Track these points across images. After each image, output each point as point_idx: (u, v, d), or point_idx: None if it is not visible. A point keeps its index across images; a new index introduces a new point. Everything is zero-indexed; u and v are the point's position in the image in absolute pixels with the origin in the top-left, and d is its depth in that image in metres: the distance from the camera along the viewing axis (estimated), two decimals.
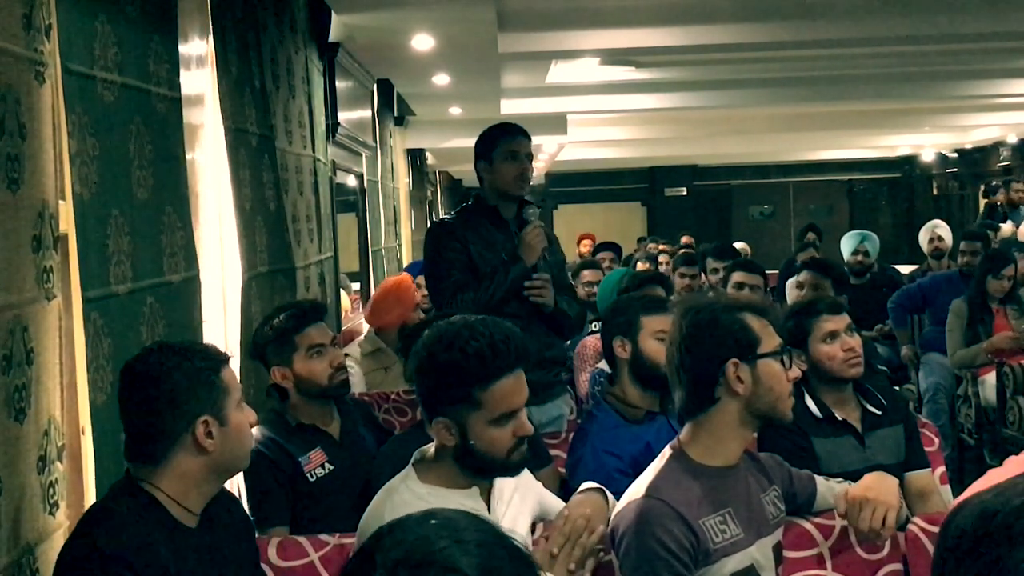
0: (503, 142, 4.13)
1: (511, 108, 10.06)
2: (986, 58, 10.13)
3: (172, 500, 2.20)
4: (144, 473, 2.21)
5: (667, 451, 2.54)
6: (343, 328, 6.23)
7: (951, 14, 7.16)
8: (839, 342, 3.40)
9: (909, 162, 21.21)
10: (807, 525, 2.79)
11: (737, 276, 5.72)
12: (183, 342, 2.54)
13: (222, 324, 3.89)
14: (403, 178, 10.84)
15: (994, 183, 14.79)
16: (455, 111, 10.77)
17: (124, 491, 2.20)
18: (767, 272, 6.25)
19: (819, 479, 2.86)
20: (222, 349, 2.40)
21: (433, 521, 1.18)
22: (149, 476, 2.20)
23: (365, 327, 5.68)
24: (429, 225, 4.54)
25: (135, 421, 2.22)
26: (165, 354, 2.24)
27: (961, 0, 7.01)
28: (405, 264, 9.64)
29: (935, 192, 20.64)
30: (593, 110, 11.76)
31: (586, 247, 12.96)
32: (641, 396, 3.37)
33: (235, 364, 2.51)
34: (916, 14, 7.14)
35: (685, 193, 21.21)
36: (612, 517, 2.51)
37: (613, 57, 8.88)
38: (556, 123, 11.80)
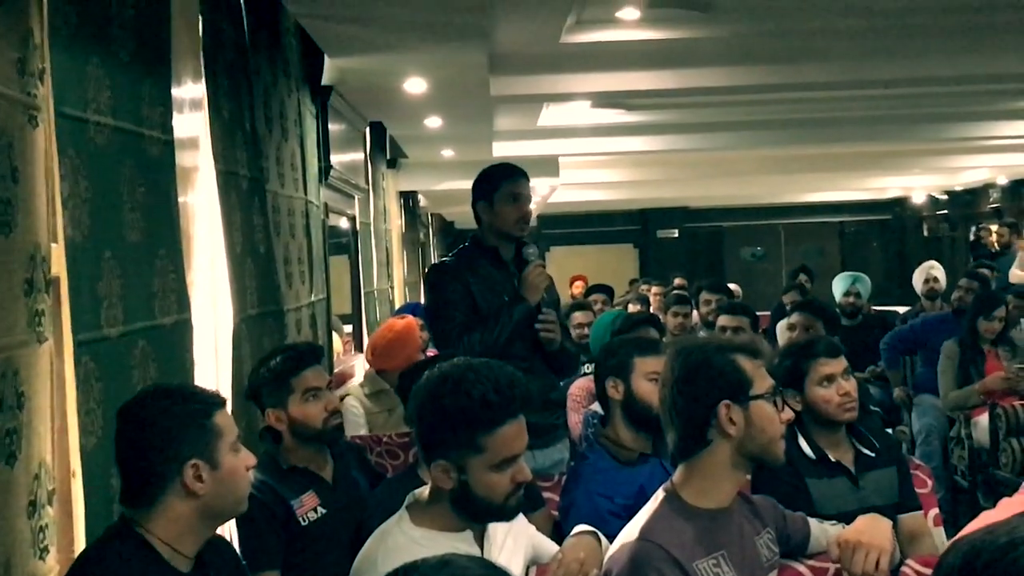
0: (505, 184, 4.11)
1: (503, 151, 10.09)
2: (975, 100, 10.21)
3: (165, 543, 2.19)
4: (137, 516, 2.20)
5: (660, 493, 2.53)
6: (335, 371, 6.21)
7: (939, 56, 7.22)
8: (835, 386, 3.40)
9: (899, 204, 21.31)
10: (801, 568, 2.77)
11: (722, 320, 5.73)
12: (179, 385, 2.54)
13: (214, 367, 3.89)
14: (395, 220, 10.86)
15: (981, 225, 14.92)
16: (447, 153, 10.81)
17: (117, 534, 2.20)
18: (759, 314, 6.27)
19: (812, 521, 2.86)
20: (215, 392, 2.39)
21: (448, 570, 1.17)
22: (142, 519, 2.19)
23: (357, 369, 5.67)
24: (427, 268, 4.53)
25: (127, 463, 2.22)
26: (157, 397, 2.24)
27: (949, 43, 7.07)
28: (397, 306, 9.64)
29: (926, 234, 20.72)
30: (585, 152, 11.81)
31: (578, 288, 12.98)
32: (634, 438, 3.36)
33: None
34: (905, 57, 7.20)
35: (677, 235, 21.28)
36: (605, 560, 2.49)
37: (604, 100, 8.93)
38: (548, 165, 11.83)
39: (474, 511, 2.36)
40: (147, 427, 2.19)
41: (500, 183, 4.11)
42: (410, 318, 5.63)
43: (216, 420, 2.26)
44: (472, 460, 2.29)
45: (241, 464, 2.29)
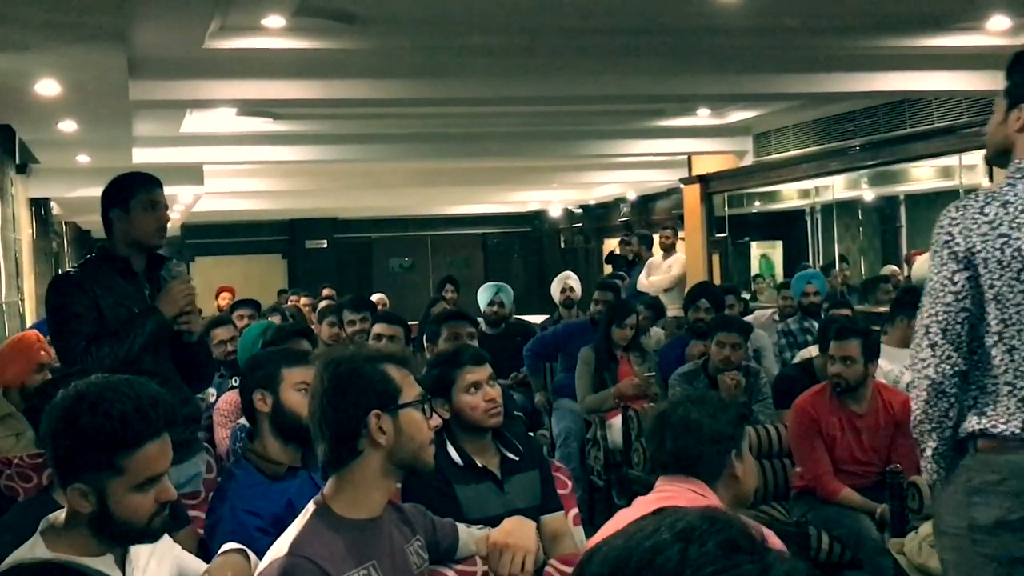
0: (143, 191, 3.94)
1: (144, 157, 9.77)
2: (608, 119, 10.84)
3: None
4: None
5: (310, 507, 2.51)
6: None
7: (576, 76, 7.60)
8: (481, 392, 3.49)
9: (538, 217, 22.22)
10: (449, 573, 2.82)
11: (378, 328, 5.79)
12: None
13: None
14: (26, 229, 10.25)
15: (623, 238, 15.75)
16: (83, 159, 10.31)
17: None
18: (409, 323, 6.35)
19: (461, 526, 2.92)
20: None
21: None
22: None
23: None
24: (52, 279, 4.27)
25: None
26: None
27: (584, 64, 7.45)
28: (29, 320, 9.13)
29: (563, 245, 21.71)
30: (231, 161, 11.61)
31: (225, 300, 12.71)
32: (283, 451, 3.32)
33: None
34: (543, 76, 7.53)
35: (326, 245, 21.26)
36: None
37: (250, 108, 8.81)
38: (192, 173, 11.54)
39: (116, 534, 2.27)
40: None
41: (138, 190, 3.95)
42: (31, 331, 5.32)
43: None
44: (112, 482, 2.20)
45: None
